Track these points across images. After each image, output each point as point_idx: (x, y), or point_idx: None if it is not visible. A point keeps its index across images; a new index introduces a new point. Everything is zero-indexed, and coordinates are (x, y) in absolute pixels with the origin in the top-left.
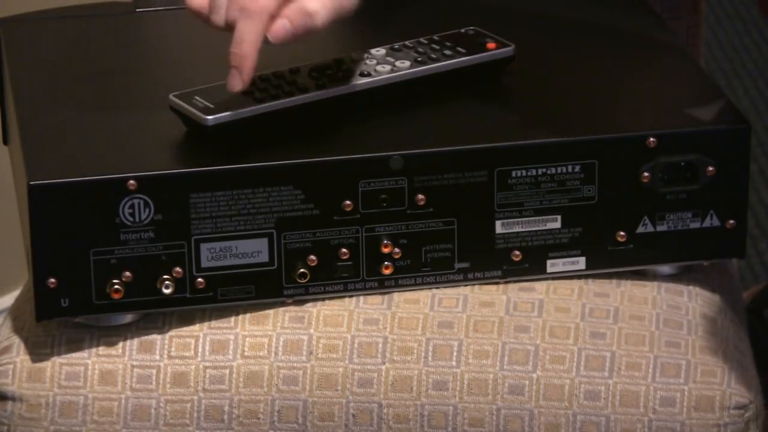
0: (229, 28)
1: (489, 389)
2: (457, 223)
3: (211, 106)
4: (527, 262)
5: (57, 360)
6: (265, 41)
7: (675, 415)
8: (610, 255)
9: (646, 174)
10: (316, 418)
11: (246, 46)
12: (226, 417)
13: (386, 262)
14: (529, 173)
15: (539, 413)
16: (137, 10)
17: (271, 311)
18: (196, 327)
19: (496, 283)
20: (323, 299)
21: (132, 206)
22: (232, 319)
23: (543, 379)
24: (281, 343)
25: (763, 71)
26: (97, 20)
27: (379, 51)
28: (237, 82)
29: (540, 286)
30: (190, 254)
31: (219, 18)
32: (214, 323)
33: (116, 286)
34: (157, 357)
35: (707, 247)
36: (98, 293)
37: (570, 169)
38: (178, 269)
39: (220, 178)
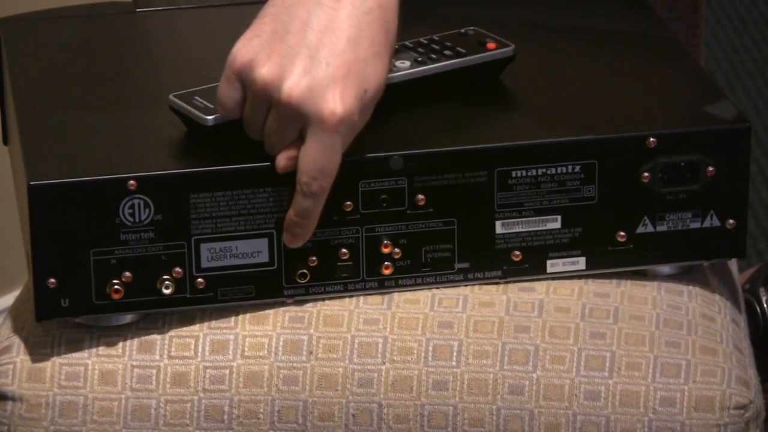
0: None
1: (489, 389)
2: (457, 223)
3: (211, 106)
4: (527, 262)
5: (57, 360)
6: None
7: (675, 415)
8: (610, 255)
9: (646, 174)
10: (316, 418)
11: (312, 225)
12: (226, 417)
13: (386, 262)
14: (529, 173)
15: (539, 413)
16: (137, 10)
17: (271, 311)
18: (196, 327)
19: (496, 283)
20: (323, 299)
21: (132, 206)
22: (232, 319)
23: (543, 379)
24: (281, 343)
25: (763, 71)
26: (97, 20)
27: None
28: (299, 243)
29: (540, 286)
30: (190, 254)
31: (255, 134)
32: (214, 323)
33: (116, 287)
34: (157, 357)
35: (707, 247)
36: (98, 293)
37: (570, 169)
38: (178, 269)
39: (220, 178)
